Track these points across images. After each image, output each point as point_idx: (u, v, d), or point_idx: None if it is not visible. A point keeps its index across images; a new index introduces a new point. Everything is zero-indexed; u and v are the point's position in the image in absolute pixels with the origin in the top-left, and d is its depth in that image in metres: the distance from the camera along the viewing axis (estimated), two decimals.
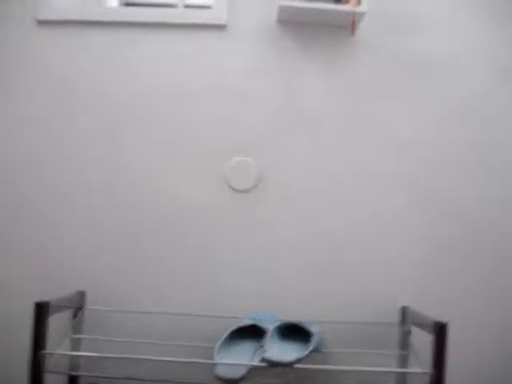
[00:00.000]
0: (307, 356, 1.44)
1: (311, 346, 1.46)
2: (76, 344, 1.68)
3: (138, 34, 1.85)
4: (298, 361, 1.41)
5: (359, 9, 1.72)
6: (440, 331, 1.39)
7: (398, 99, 1.84)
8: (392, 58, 1.85)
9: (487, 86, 1.85)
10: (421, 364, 1.47)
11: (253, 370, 1.44)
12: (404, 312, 1.72)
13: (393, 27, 1.85)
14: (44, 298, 1.45)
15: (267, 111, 1.84)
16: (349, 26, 1.79)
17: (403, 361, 1.66)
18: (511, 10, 1.86)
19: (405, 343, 1.67)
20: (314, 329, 1.54)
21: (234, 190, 1.82)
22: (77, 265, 1.80)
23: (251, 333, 1.56)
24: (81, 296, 1.73)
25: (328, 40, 1.84)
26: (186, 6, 1.88)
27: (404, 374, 1.57)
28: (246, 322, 1.59)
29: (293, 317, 1.60)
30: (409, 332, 1.67)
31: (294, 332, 1.56)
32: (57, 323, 1.52)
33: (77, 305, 1.70)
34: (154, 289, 1.79)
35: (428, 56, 1.85)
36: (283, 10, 1.77)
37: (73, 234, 1.81)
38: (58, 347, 1.51)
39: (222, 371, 1.42)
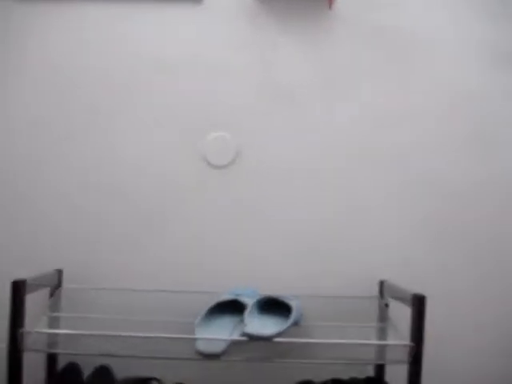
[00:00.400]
0: (287, 330, 1.45)
1: (291, 320, 1.47)
2: (54, 322, 1.66)
3: (110, 8, 1.81)
4: (278, 334, 1.42)
5: None
6: (419, 304, 1.40)
7: (379, 73, 1.83)
8: (371, 32, 1.83)
9: (471, 61, 1.84)
10: (399, 336, 1.49)
11: (233, 344, 1.45)
12: (382, 286, 1.74)
13: (372, 1, 1.83)
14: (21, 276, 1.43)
15: (244, 85, 1.82)
16: None
17: (382, 334, 1.68)
18: None
19: (383, 316, 1.69)
20: (293, 303, 1.54)
21: (211, 165, 1.80)
22: (54, 243, 1.78)
23: (231, 308, 1.57)
24: (58, 274, 1.71)
25: (305, 13, 1.82)
26: None
27: (383, 346, 1.59)
28: (226, 297, 1.59)
29: (273, 292, 1.61)
30: (387, 305, 1.69)
31: (273, 306, 1.57)
32: (34, 302, 1.51)
33: (54, 283, 1.69)
34: (132, 266, 1.78)
35: (407, 30, 1.83)
36: None
37: (48, 211, 1.79)
38: (35, 326, 1.49)
39: (202, 346, 1.42)
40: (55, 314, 1.67)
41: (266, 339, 1.41)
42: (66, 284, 1.73)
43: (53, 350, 1.61)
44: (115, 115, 1.80)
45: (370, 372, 1.72)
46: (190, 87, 1.81)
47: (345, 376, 1.67)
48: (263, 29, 1.82)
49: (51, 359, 1.69)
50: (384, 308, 1.69)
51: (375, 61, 1.83)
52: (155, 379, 1.65)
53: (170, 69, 1.81)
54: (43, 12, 1.80)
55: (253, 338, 1.41)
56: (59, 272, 1.72)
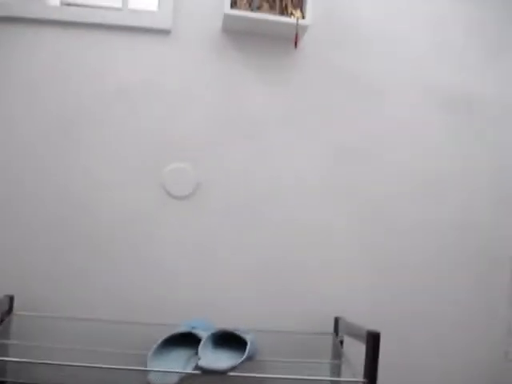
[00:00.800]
0: (241, 364, 1.43)
1: (245, 354, 1.46)
2: (3, 349, 1.61)
3: (80, 35, 1.81)
4: (232, 369, 1.40)
5: (302, 22, 1.75)
6: (373, 341, 1.41)
7: (341, 110, 1.88)
8: (334, 71, 1.88)
9: (428, 103, 1.92)
10: (353, 373, 1.49)
11: (186, 377, 1.43)
12: (337, 322, 1.75)
13: (337, 41, 1.89)
14: None
15: (208, 118, 1.83)
16: (293, 37, 1.81)
17: (336, 370, 1.68)
18: (454, 31, 1.95)
19: (338, 353, 1.69)
20: (248, 337, 1.53)
21: (172, 196, 1.80)
22: (5, 269, 1.74)
23: (186, 340, 1.55)
24: (9, 300, 1.67)
25: (272, 51, 1.86)
26: (132, 11, 1.85)
27: (337, 382, 1.59)
28: (181, 329, 1.57)
29: (228, 325, 1.60)
30: (341, 342, 1.70)
31: (228, 340, 1.56)
32: None
33: (4, 309, 1.64)
34: (87, 295, 1.75)
35: (370, 70, 1.90)
36: (228, 18, 1.77)
37: (1, 237, 1.75)
38: None
39: (154, 379, 1.40)
40: (4, 341, 1.62)
41: (220, 373, 1.39)
42: (16, 311, 1.69)
43: (1, 378, 1.56)
44: (79, 141, 1.79)
45: None
46: (153, 117, 1.81)
47: None
48: (230, 63, 1.85)
49: None
50: (338, 344, 1.69)
51: (337, 99, 1.88)
52: None
53: (135, 99, 1.81)
54: (15, 38, 1.80)
55: (206, 372, 1.39)
56: (10, 298, 1.68)
